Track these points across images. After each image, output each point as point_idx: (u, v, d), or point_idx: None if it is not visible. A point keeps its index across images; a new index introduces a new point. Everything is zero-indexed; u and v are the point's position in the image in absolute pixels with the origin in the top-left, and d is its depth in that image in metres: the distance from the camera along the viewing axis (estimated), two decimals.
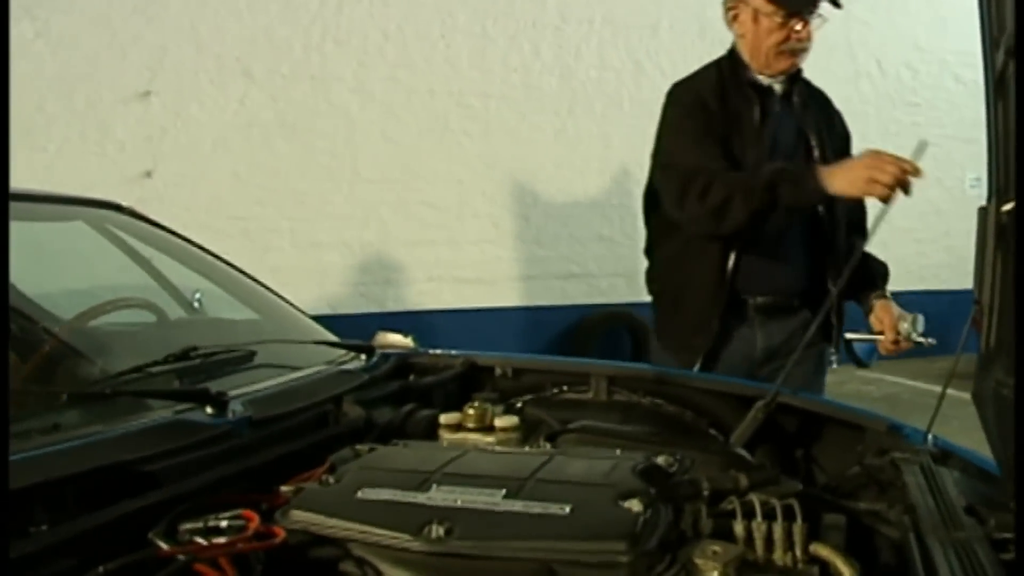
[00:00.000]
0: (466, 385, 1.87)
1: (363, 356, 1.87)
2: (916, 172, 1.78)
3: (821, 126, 2.19)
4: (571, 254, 6.23)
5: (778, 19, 2.06)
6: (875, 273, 2.25)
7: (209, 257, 2.16)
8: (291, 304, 2.17)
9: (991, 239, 1.43)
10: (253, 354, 1.62)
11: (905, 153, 1.87)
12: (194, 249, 2.16)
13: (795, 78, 2.17)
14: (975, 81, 6.41)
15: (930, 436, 1.54)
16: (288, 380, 1.54)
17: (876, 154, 1.82)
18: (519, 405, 1.79)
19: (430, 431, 1.50)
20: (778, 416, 1.69)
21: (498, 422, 1.44)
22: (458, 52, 5.92)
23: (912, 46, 7.48)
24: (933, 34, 7.53)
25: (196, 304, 2.37)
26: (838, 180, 1.88)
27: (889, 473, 1.53)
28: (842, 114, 2.30)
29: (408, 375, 1.88)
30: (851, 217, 2.26)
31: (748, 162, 2.06)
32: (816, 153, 2.12)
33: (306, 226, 5.57)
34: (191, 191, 5.37)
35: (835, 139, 2.22)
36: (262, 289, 2.15)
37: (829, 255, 2.19)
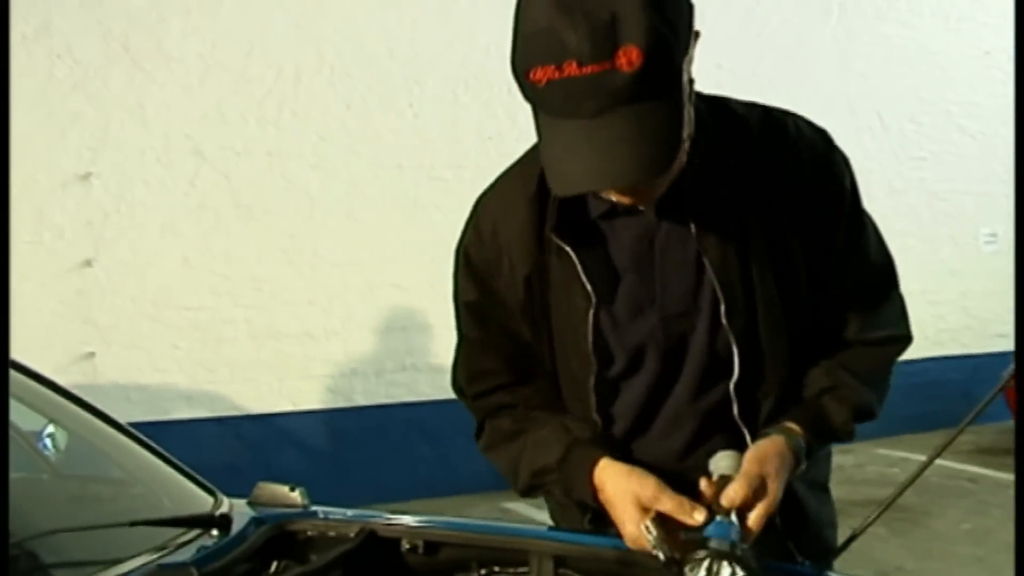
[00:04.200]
0: (360, 567, 1.35)
1: (215, 531, 1.37)
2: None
3: (749, 232, 1.21)
4: None
5: None
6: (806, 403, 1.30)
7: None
8: (148, 446, 1.66)
9: None
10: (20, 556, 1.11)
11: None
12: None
13: (686, 182, 1.16)
14: (982, 132, 5.96)
15: None
16: None
17: (637, 514, 1.15)
18: None
19: None
20: None
21: None
22: (427, 122, 5.50)
23: (914, 98, 7.09)
24: (934, 85, 7.15)
25: (48, 445, 1.86)
26: (607, 499, 1.21)
27: None
28: (817, 175, 1.25)
29: (277, 557, 1.36)
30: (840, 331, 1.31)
31: (579, 344, 1.24)
32: (717, 289, 1.20)
33: (264, 315, 5.09)
34: (137, 280, 4.91)
35: (784, 230, 1.22)
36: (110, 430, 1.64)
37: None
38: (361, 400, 5.26)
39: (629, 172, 1.05)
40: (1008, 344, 6.90)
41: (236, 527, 1.39)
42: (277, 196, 5.15)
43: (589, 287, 1.22)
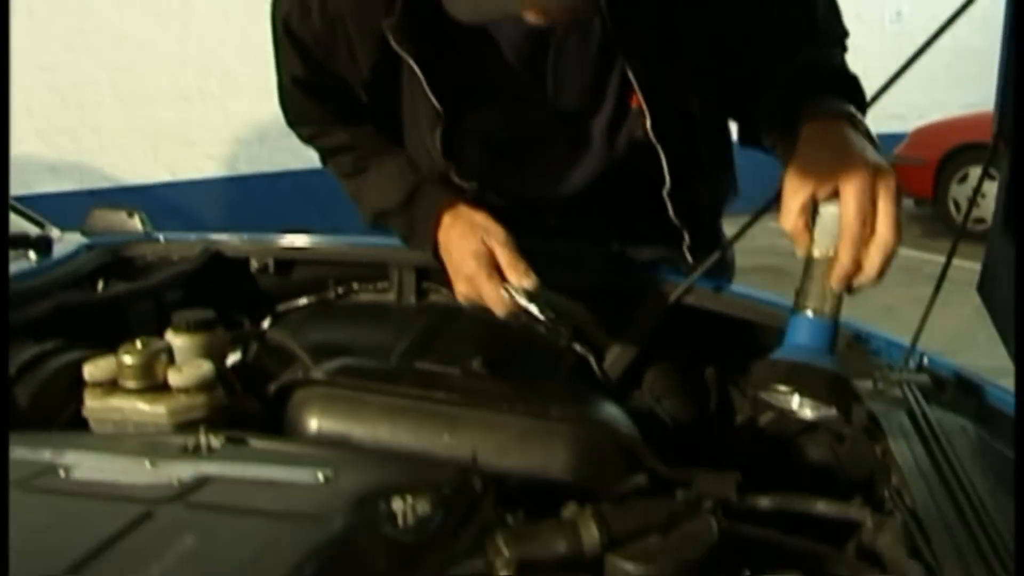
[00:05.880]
0: (204, 289, 1.22)
1: (32, 253, 1.20)
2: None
3: (675, 18, 1.02)
4: None
5: None
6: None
7: None
8: None
9: None
10: None
11: None
12: None
13: None
14: None
15: (921, 357, 0.95)
16: None
17: (486, 263, 0.97)
18: (266, 324, 1.17)
19: (74, 388, 0.87)
20: (682, 316, 1.11)
21: (174, 378, 0.81)
22: None
23: None
24: None
25: None
26: (445, 254, 1.04)
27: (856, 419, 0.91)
28: None
29: (105, 278, 1.22)
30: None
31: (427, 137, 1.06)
32: (641, 101, 1.02)
33: (130, 76, 4.68)
34: None
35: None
36: None
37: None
38: (245, 168, 5.00)
39: None
40: (902, 125, 7.00)
41: (62, 252, 1.24)
42: None
43: (437, 104, 1.00)
